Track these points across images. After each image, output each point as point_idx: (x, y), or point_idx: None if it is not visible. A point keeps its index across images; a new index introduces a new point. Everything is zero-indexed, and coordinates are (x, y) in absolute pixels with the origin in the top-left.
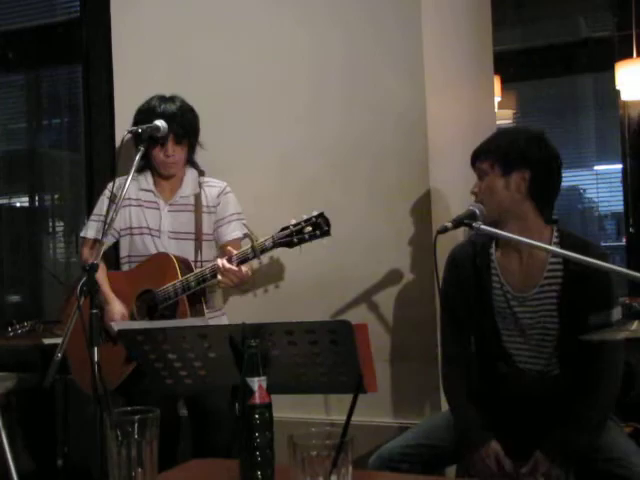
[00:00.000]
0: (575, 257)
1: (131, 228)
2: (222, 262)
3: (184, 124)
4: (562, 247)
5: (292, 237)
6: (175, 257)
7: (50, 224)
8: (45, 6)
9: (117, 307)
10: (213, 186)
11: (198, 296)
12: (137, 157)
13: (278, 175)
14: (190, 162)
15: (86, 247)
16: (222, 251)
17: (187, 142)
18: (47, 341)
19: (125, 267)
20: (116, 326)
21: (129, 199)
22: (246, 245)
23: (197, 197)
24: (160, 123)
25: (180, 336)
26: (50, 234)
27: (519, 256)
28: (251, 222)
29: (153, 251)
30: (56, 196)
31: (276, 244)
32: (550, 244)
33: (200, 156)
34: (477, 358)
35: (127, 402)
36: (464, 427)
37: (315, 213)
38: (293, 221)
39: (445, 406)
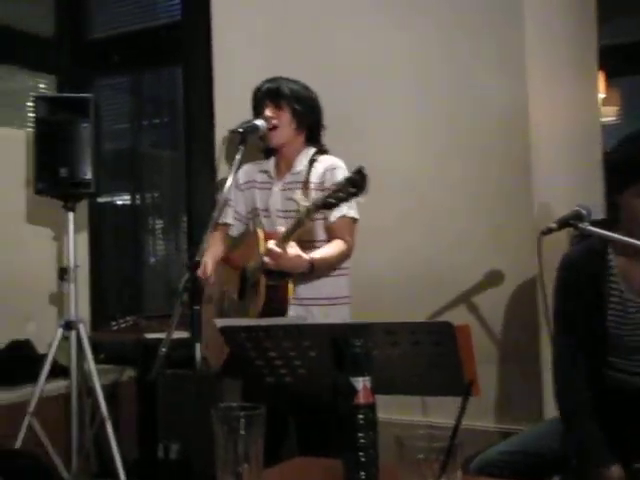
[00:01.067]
0: None
1: (253, 210)
2: (269, 242)
3: (281, 86)
4: None
5: (330, 198)
6: (264, 232)
7: (150, 222)
8: (148, 10)
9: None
10: (324, 162)
11: (281, 275)
12: (237, 157)
13: (382, 175)
14: (311, 140)
15: (214, 233)
16: (328, 235)
17: (288, 107)
18: (149, 336)
19: None
20: (219, 323)
21: (250, 182)
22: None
23: (307, 173)
24: (260, 123)
25: (281, 334)
26: (150, 231)
27: None
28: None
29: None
30: (156, 194)
31: (317, 206)
32: None
33: None
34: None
35: (243, 387)
36: (585, 441)
37: (355, 168)
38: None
39: (549, 413)
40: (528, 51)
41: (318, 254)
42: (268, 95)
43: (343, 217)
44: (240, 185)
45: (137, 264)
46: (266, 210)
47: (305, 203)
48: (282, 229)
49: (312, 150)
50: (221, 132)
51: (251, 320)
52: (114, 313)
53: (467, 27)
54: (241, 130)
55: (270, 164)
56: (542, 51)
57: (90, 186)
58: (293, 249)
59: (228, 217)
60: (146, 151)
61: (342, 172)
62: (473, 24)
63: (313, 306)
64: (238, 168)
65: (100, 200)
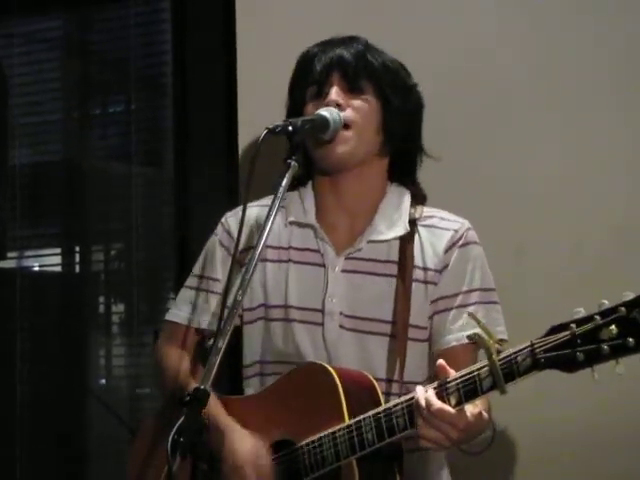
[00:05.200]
0: None
1: (266, 307)
2: (424, 394)
3: (368, 55)
4: None
5: (573, 349)
6: (341, 374)
7: (101, 305)
8: None
9: (247, 446)
10: (440, 227)
11: (386, 462)
12: (284, 180)
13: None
14: (399, 174)
15: (170, 341)
16: (436, 367)
17: (376, 95)
18: None
19: (251, 388)
20: None
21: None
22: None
23: (404, 245)
24: (327, 113)
25: None
26: (101, 324)
27: None
28: (510, 308)
29: (307, 355)
30: (114, 251)
31: (538, 362)
32: None
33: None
34: None
35: None
36: None
37: (629, 297)
38: (581, 312)
39: None
40: None
41: (482, 406)
42: (340, 67)
43: (478, 338)
44: (225, 248)
45: (74, 392)
46: (318, 310)
47: (509, 348)
48: (450, 371)
49: (404, 193)
50: (249, 131)
51: None
52: None
53: None
54: (292, 128)
55: (308, 206)
56: None
57: None
58: (473, 407)
59: (204, 315)
60: (96, 165)
61: (478, 252)
62: None
63: None
64: (279, 206)
65: (1, 264)
